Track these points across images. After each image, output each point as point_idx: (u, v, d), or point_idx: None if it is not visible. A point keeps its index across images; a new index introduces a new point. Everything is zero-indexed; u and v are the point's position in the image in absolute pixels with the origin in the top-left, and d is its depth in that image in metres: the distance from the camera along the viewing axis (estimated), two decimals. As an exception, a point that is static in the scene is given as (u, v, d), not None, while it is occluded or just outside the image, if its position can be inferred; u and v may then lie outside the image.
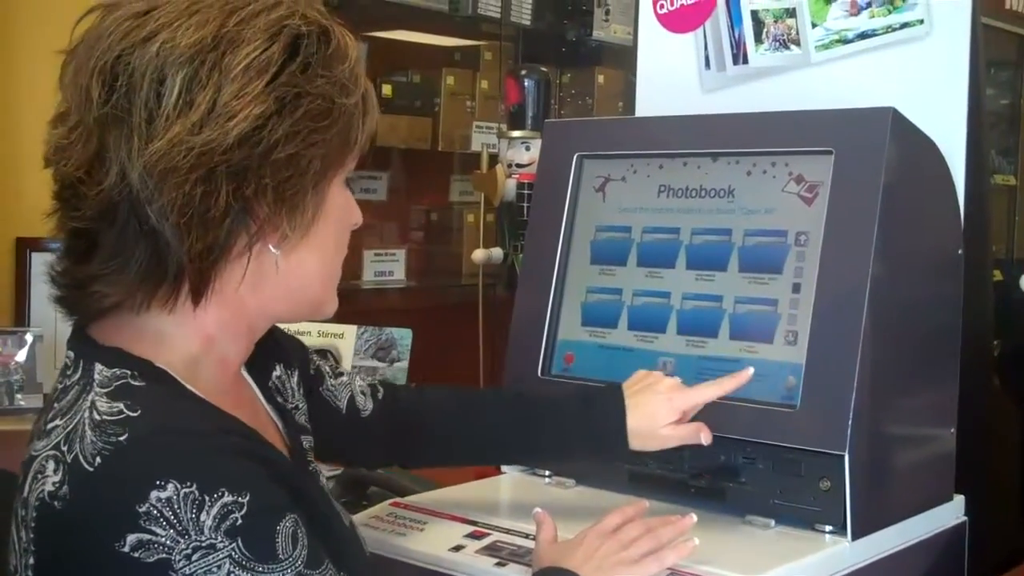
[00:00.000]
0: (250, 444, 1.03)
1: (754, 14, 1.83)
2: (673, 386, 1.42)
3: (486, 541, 1.40)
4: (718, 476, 1.50)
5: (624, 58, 4.04)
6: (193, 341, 1.05)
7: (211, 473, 0.94)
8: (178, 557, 0.91)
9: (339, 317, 2.59)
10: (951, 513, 1.60)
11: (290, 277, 1.07)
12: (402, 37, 3.65)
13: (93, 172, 1.00)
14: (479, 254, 2.09)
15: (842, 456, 1.39)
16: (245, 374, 1.19)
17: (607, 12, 4.00)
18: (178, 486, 0.92)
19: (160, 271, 1.00)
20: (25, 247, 2.72)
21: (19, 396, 2.50)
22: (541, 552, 1.28)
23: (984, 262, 1.83)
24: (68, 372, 1.03)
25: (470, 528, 1.43)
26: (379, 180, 3.52)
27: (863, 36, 1.73)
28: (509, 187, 2.03)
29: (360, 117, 1.08)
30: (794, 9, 1.79)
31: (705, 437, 1.40)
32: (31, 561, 0.97)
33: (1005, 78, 3.86)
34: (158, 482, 0.92)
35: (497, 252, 2.09)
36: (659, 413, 1.40)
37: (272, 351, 1.23)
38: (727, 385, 1.42)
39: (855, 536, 1.40)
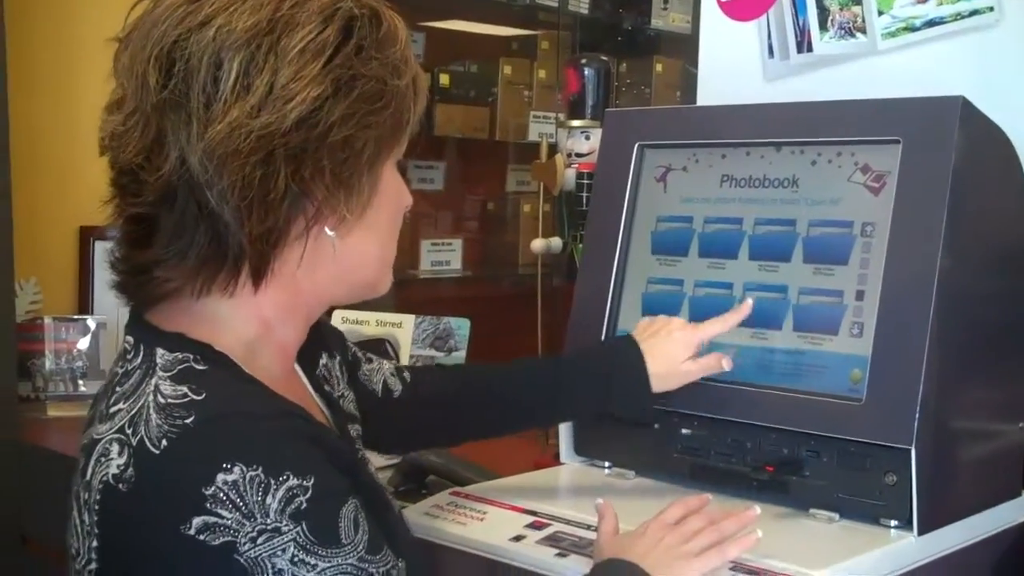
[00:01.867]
0: (312, 428, 1.04)
1: (819, 1, 1.81)
2: (682, 324, 1.47)
3: (547, 531, 1.39)
4: (781, 469, 1.48)
5: (683, 47, 4.01)
6: (251, 325, 1.06)
7: (276, 456, 0.95)
8: (243, 540, 0.92)
9: (397, 306, 2.62)
10: (1019, 510, 1.57)
11: (346, 259, 1.08)
12: (459, 27, 3.65)
13: (152, 158, 1.01)
14: (538, 244, 2.08)
15: (908, 450, 1.37)
16: (298, 369, 1.20)
17: (665, 0, 3.97)
18: (244, 469, 0.93)
19: (220, 254, 1.01)
20: (88, 235, 2.76)
21: (82, 383, 2.54)
22: (602, 543, 1.27)
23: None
24: (128, 356, 1.04)
25: (530, 518, 1.43)
26: (436, 170, 3.52)
27: (931, 24, 1.71)
28: (568, 177, 2.01)
29: (412, 99, 1.08)
30: (860, -4, 1.76)
31: (726, 363, 1.45)
32: (95, 544, 0.99)
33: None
34: (225, 465, 0.93)
35: (556, 242, 2.08)
36: (675, 351, 1.44)
37: (317, 340, 1.24)
38: (731, 319, 1.47)
39: (921, 531, 1.38)
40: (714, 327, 1.47)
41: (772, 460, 1.49)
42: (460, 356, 2.30)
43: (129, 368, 1.03)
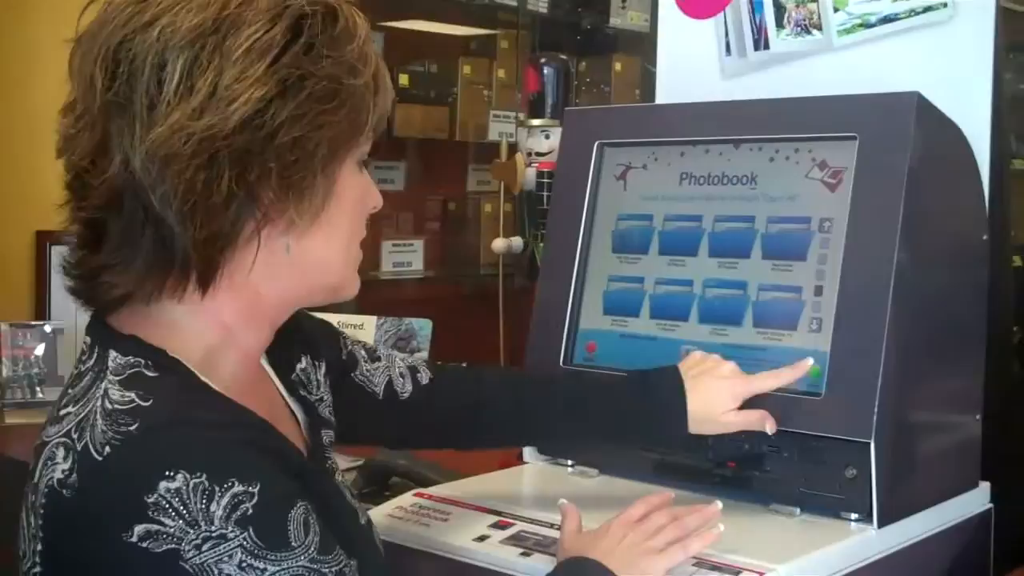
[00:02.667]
0: (261, 435, 1.02)
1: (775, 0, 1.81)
2: (734, 371, 1.41)
3: (511, 531, 1.39)
4: (743, 464, 1.49)
5: (641, 45, 4.03)
6: (210, 331, 1.05)
7: (221, 463, 0.94)
8: (187, 547, 0.91)
9: (358, 308, 2.61)
10: (977, 501, 1.59)
11: (304, 263, 1.05)
12: (418, 27, 3.64)
13: (98, 161, 0.99)
14: (499, 243, 2.09)
15: (867, 444, 1.38)
16: (266, 366, 1.19)
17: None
18: (187, 476, 0.92)
19: (167, 259, 0.99)
20: (44, 240, 2.73)
21: (39, 389, 2.51)
22: (566, 542, 1.28)
23: (1005, 248, 1.81)
24: (84, 358, 1.03)
25: (494, 518, 1.43)
26: (396, 170, 3.51)
27: (886, 20, 1.72)
28: (529, 176, 2.02)
29: (371, 97, 1.06)
30: (816, -6, 1.77)
31: (770, 426, 1.40)
32: (38, 547, 0.98)
33: (1023, 62, 3.82)
34: (167, 472, 0.92)
35: (517, 241, 2.09)
36: (719, 399, 1.39)
37: (298, 342, 1.22)
38: (786, 376, 1.41)
39: (881, 524, 1.39)
40: (767, 382, 1.41)
41: (733, 456, 1.50)
42: (422, 357, 2.29)
43: (83, 369, 1.02)
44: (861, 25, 1.74)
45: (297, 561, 0.95)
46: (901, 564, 1.43)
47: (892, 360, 1.39)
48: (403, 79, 3.48)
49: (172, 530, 0.91)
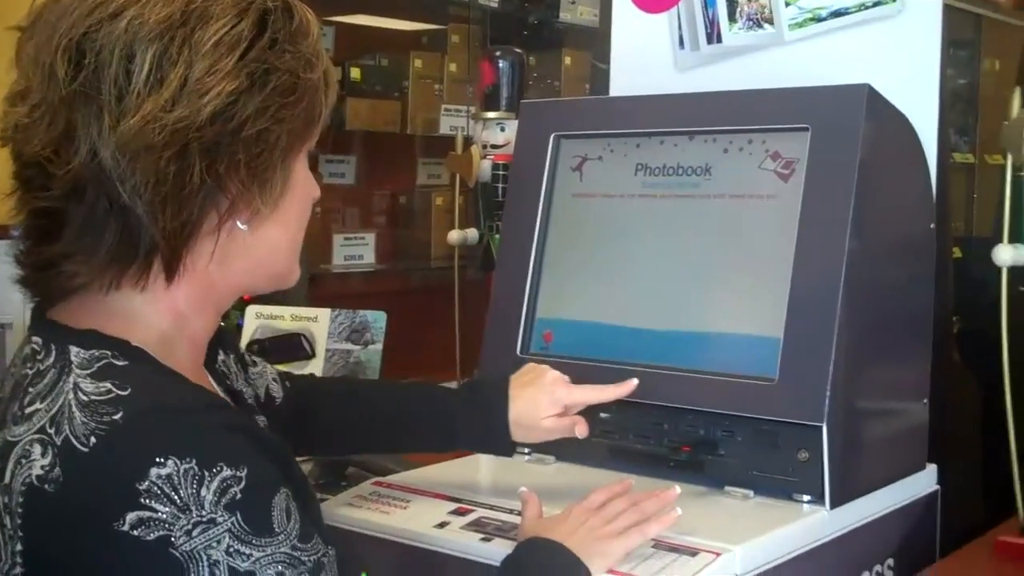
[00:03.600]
0: (238, 418, 1.03)
1: (728, -7, 1.84)
2: (557, 379, 1.46)
3: (471, 517, 1.41)
4: (697, 449, 1.52)
5: (590, 40, 4.05)
6: (164, 318, 1.05)
7: (209, 448, 0.94)
8: (178, 533, 0.91)
9: (311, 301, 2.59)
10: (924, 482, 1.63)
11: (258, 251, 1.07)
12: (369, 22, 3.64)
13: (61, 151, 0.99)
14: (454, 235, 2.10)
15: (820, 427, 1.41)
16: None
17: (573, -6, 4.01)
18: (178, 462, 0.92)
19: (131, 249, 0.99)
20: (-9, 233, 2.69)
21: (-11, 383, 2.48)
22: (527, 527, 1.29)
23: (945, 240, 1.85)
24: (39, 357, 1.01)
25: (454, 505, 1.44)
26: (347, 164, 3.50)
27: (836, 14, 1.75)
28: (484, 168, 2.03)
29: (323, 92, 1.08)
30: (767, -12, 1.80)
31: (580, 431, 1.45)
32: (18, 548, 0.96)
33: (964, 57, 3.89)
34: (158, 459, 0.92)
35: (472, 233, 2.10)
36: (541, 405, 1.44)
37: (214, 336, 1.23)
38: (610, 392, 1.47)
39: (833, 505, 1.43)
40: (587, 395, 1.46)
41: (688, 440, 1.53)
42: (377, 349, 2.30)
43: (41, 368, 1.00)
44: (812, 19, 1.77)
45: (280, 548, 0.95)
46: (852, 544, 1.47)
47: (843, 346, 1.43)
48: (354, 72, 3.48)
49: (164, 516, 0.91)
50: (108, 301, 1.02)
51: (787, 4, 1.79)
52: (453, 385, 2.55)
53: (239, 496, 0.93)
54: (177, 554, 0.91)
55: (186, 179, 0.98)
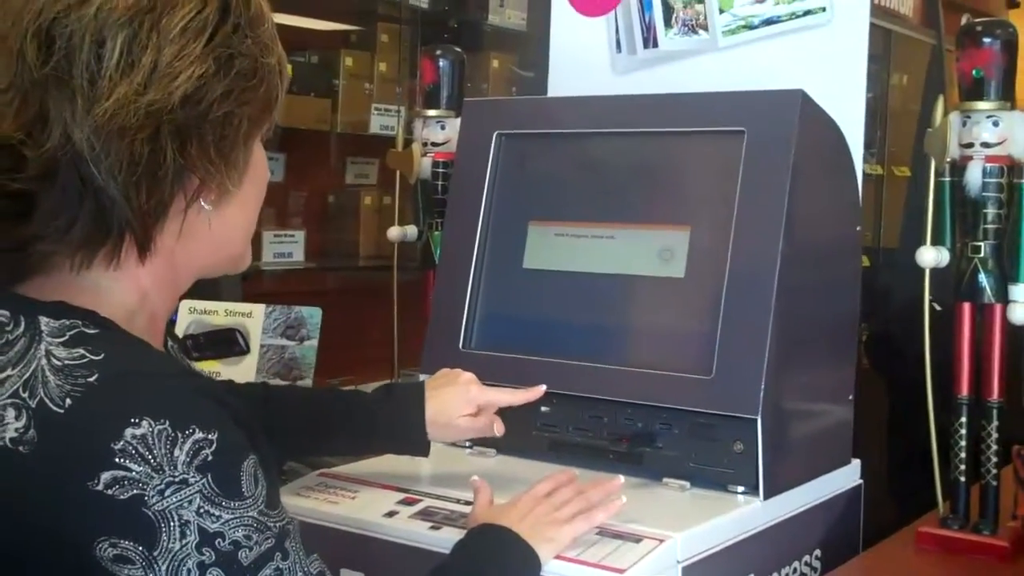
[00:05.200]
0: (210, 385, 1.06)
1: (664, 0, 1.89)
2: (470, 380, 1.52)
3: (419, 507, 1.43)
4: (636, 442, 1.56)
5: (517, 44, 4.09)
6: (130, 295, 1.07)
7: (182, 411, 0.96)
8: (151, 493, 0.94)
9: (244, 296, 2.58)
10: (850, 476, 1.70)
11: (219, 232, 1.10)
12: (297, 22, 3.62)
13: (35, 134, 1.00)
14: (394, 231, 2.12)
15: (755, 420, 1.47)
16: None
17: (502, -3, 4.04)
18: (152, 423, 0.94)
19: (104, 229, 1.02)
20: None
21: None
22: (477, 514, 1.32)
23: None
24: (8, 328, 1.03)
25: (401, 495, 1.47)
26: (276, 161, 3.49)
27: (768, 22, 1.81)
28: (424, 165, 2.05)
29: (279, 76, 1.11)
30: (702, -5, 1.86)
31: (498, 428, 1.50)
32: None
33: (872, 71, 4.02)
34: (133, 420, 0.94)
35: (412, 230, 2.12)
36: (455, 404, 1.49)
37: None
38: (521, 396, 1.52)
39: (767, 496, 1.48)
40: (500, 396, 1.51)
41: (627, 433, 1.57)
42: (312, 345, 2.31)
43: (11, 338, 1.02)
44: (745, 27, 1.84)
45: (248, 512, 0.98)
46: (784, 533, 1.52)
47: (776, 343, 1.48)
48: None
49: (138, 476, 0.93)
50: (77, 279, 1.04)
51: (721, 11, 1.84)
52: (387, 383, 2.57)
53: (210, 458, 0.96)
54: (150, 513, 0.94)
55: (159, 160, 1.00)
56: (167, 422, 0.95)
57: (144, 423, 0.94)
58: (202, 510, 0.95)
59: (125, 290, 1.07)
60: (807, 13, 1.78)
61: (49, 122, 1.00)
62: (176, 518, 0.94)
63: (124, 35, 1.00)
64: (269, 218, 3.45)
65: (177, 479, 0.94)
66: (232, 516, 0.97)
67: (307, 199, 3.68)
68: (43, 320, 1.02)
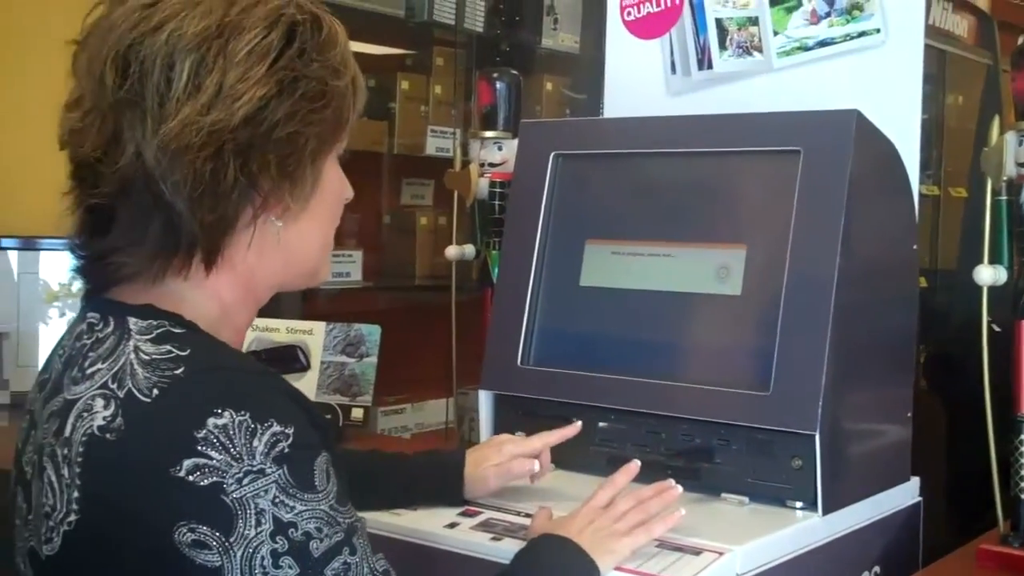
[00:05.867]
0: (289, 387, 1.11)
1: (718, 22, 1.92)
2: (508, 438, 1.56)
3: (479, 519, 1.46)
4: (694, 457, 1.58)
5: (570, 67, 4.12)
6: (212, 306, 1.13)
7: (262, 404, 1.02)
8: (230, 480, 0.98)
9: (303, 315, 2.63)
10: (908, 493, 1.71)
11: (291, 247, 1.15)
12: (355, 48, 3.69)
13: (110, 152, 1.07)
14: (452, 251, 2.15)
15: (813, 436, 1.48)
16: None
17: (555, 21, 4.08)
18: (234, 414, 1.00)
19: (174, 241, 1.08)
20: (-16, 246, 2.72)
21: (-16, 392, 2.51)
22: (537, 525, 1.35)
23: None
24: (97, 328, 1.09)
25: (462, 507, 1.50)
26: (335, 183, 3.55)
27: (823, 44, 1.83)
28: (481, 186, 2.09)
29: (351, 97, 1.16)
30: (757, 18, 1.88)
31: (536, 466, 1.51)
32: (75, 495, 1.03)
33: (927, 92, 4.00)
34: (216, 410, 0.99)
35: (470, 249, 2.16)
36: (489, 457, 1.52)
37: None
38: (554, 437, 1.55)
39: (825, 511, 1.49)
40: (533, 443, 1.54)
41: (685, 449, 1.59)
42: (371, 362, 2.35)
43: (100, 336, 1.08)
44: (799, 48, 1.86)
45: (320, 505, 1.02)
46: (842, 549, 1.53)
47: (834, 360, 1.49)
48: (342, 93, 3.51)
49: (218, 464, 0.98)
50: (160, 287, 1.11)
51: (776, 33, 1.87)
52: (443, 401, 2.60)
53: (287, 451, 1.01)
54: (228, 500, 0.98)
55: (221, 177, 1.06)
56: (247, 414, 1.00)
57: (226, 414, 1.00)
58: (277, 500, 1.00)
59: (206, 300, 1.12)
60: (862, 35, 1.80)
61: (122, 141, 1.07)
62: (252, 506, 0.99)
63: (192, 59, 1.06)
64: (327, 239, 3.50)
65: (255, 468, 0.99)
66: (305, 508, 1.01)
67: (363, 220, 3.72)
68: (132, 320, 1.08)
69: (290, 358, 2.32)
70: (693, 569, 1.29)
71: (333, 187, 1.19)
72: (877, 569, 1.61)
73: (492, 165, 2.08)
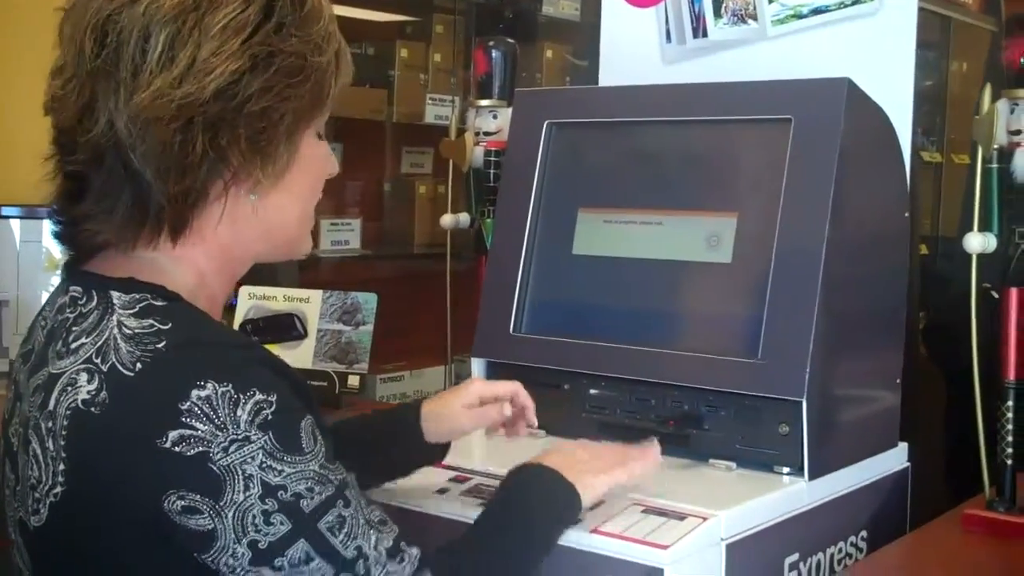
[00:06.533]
0: (269, 356, 1.12)
1: (713, -11, 1.92)
2: (473, 379, 1.50)
3: (468, 485, 1.48)
4: (683, 423, 1.60)
5: (571, 34, 4.11)
6: (189, 275, 1.14)
7: (244, 375, 1.04)
8: (216, 450, 1.01)
9: (301, 283, 2.64)
10: (896, 459, 1.72)
11: (268, 220, 1.15)
12: (353, 13, 3.68)
13: (84, 120, 1.09)
14: (447, 219, 2.16)
15: (800, 402, 1.49)
16: None
17: (555, -13, 4.07)
18: (216, 385, 1.02)
19: (143, 211, 1.09)
20: (-17, 215, 2.73)
21: (-16, 359, 2.53)
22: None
23: (913, 236, 1.94)
24: (81, 302, 1.10)
25: (452, 473, 1.52)
26: (334, 151, 3.55)
27: (817, 12, 1.83)
28: (477, 154, 2.10)
29: (333, 74, 1.15)
30: (751, -15, 1.88)
31: (506, 410, 1.45)
32: (61, 467, 1.05)
33: (932, 58, 3.99)
34: (198, 382, 1.01)
35: (464, 217, 2.17)
36: (458, 396, 1.45)
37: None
38: (523, 397, 1.47)
39: (811, 477, 1.51)
40: (507, 387, 1.47)
41: (674, 415, 1.60)
42: (368, 330, 2.37)
43: (84, 311, 1.10)
44: (794, 16, 1.86)
45: (309, 465, 1.05)
46: (829, 514, 1.55)
47: (822, 327, 1.51)
48: (341, 61, 3.50)
49: (203, 434, 1.00)
50: (135, 258, 1.12)
51: (770, 1, 1.87)
52: (440, 369, 2.62)
53: (271, 417, 1.03)
54: (215, 468, 1.01)
55: (190, 149, 1.06)
56: (230, 385, 1.02)
57: (209, 385, 1.01)
58: (264, 464, 1.02)
59: (183, 269, 1.13)
60: (856, 2, 1.80)
61: (96, 110, 1.08)
62: (240, 472, 1.01)
63: (168, 31, 1.07)
64: (326, 207, 3.51)
65: (240, 436, 1.01)
66: (293, 470, 1.04)
67: (363, 188, 3.73)
68: (115, 294, 1.09)
69: (287, 326, 2.33)
70: (677, 533, 1.31)
71: (312, 162, 1.18)
72: (864, 533, 1.63)
73: (487, 134, 2.09)
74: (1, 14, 2.76)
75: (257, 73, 1.08)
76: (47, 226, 2.73)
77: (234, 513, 1.01)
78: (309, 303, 2.41)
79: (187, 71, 1.06)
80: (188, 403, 1.01)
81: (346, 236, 3.44)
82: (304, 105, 1.12)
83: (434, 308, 2.47)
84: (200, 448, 1.00)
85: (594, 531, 1.32)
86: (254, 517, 1.02)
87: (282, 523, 1.03)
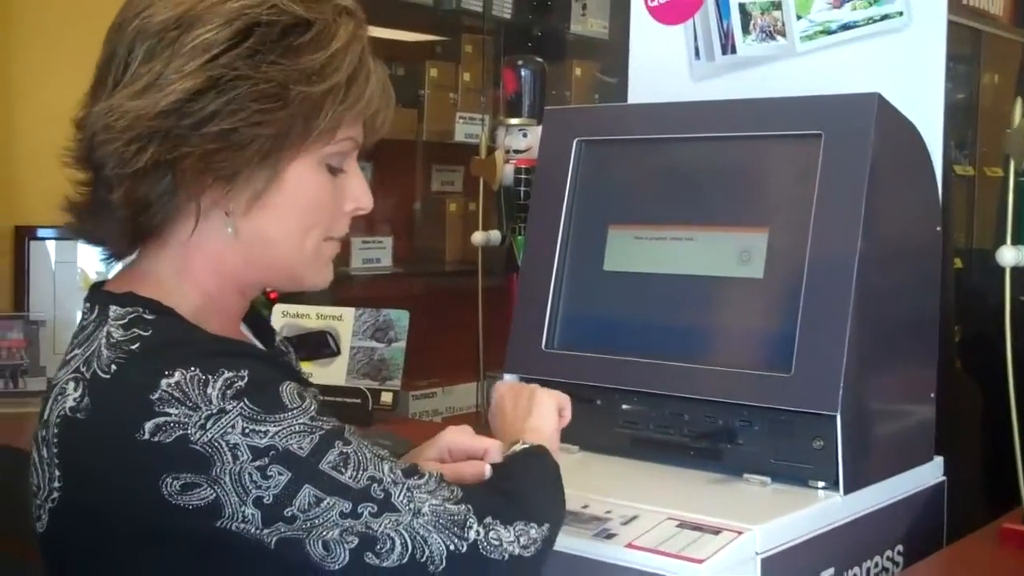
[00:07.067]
0: (251, 350, 1.14)
1: (741, 7, 1.93)
2: (450, 428, 1.42)
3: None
4: (716, 438, 1.60)
5: (599, 52, 4.13)
6: (194, 294, 1.15)
7: (211, 361, 1.05)
8: (193, 430, 1.02)
9: (334, 301, 2.67)
10: (932, 472, 1.71)
11: (249, 241, 1.14)
12: (383, 34, 3.71)
13: (79, 131, 1.14)
14: (478, 236, 2.18)
15: (834, 416, 1.49)
16: (249, 335, 1.28)
17: (584, 7, 4.09)
18: (184, 372, 1.03)
19: (110, 217, 1.12)
20: (24, 235, 2.77)
21: (23, 380, 2.56)
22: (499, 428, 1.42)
23: (947, 250, 1.93)
24: (86, 316, 1.15)
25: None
26: (364, 170, 3.58)
27: (845, 27, 1.84)
28: (507, 172, 2.11)
29: (333, 104, 1.11)
30: (780, 2, 1.89)
31: (471, 474, 1.29)
32: (56, 473, 1.08)
33: (963, 72, 3.97)
34: (166, 372, 1.03)
35: (495, 234, 2.19)
36: (430, 448, 1.37)
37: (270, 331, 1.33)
38: (494, 456, 1.34)
39: (847, 491, 1.51)
40: (474, 442, 1.36)
41: (708, 430, 1.61)
42: (400, 347, 2.38)
43: (85, 325, 1.14)
44: (822, 32, 1.86)
45: (297, 419, 1.05)
46: (864, 528, 1.55)
47: (856, 340, 1.51)
48: (371, 81, 3.54)
49: (177, 417, 1.02)
50: (141, 272, 1.16)
51: (799, 17, 1.87)
52: (473, 385, 2.63)
53: (243, 386, 1.04)
54: (197, 447, 1.02)
55: (140, 160, 1.08)
56: (197, 369, 1.03)
57: (177, 373, 1.03)
58: (247, 430, 1.03)
59: (189, 290, 1.15)
60: (884, 18, 1.80)
61: (88, 120, 1.12)
62: (224, 444, 1.02)
63: (147, 47, 1.10)
64: (357, 226, 3.54)
65: (215, 411, 1.02)
66: (279, 428, 1.04)
67: (394, 206, 3.76)
68: (112, 308, 1.12)
69: (320, 344, 2.37)
70: (712, 547, 1.31)
71: (306, 191, 1.14)
72: (900, 548, 1.63)
73: (517, 152, 2.11)
74: (37, 34, 2.81)
75: (214, 95, 1.07)
76: (82, 247, 2.79)
77: (230, 478, 1.02)
78: (342, 321, 2.43)
79: (149, 86, 1.08)
80: (158, 392, 1.02)
81: (378, 254, 3.47)
82: (285, 132, 1.09)
83: (466, 325, 2.49)
84: (178, 432, 1.02)
85: (629, 545, 1.33)
86: (251, 475, 1.02)
87: (280, 473, 1.03)
